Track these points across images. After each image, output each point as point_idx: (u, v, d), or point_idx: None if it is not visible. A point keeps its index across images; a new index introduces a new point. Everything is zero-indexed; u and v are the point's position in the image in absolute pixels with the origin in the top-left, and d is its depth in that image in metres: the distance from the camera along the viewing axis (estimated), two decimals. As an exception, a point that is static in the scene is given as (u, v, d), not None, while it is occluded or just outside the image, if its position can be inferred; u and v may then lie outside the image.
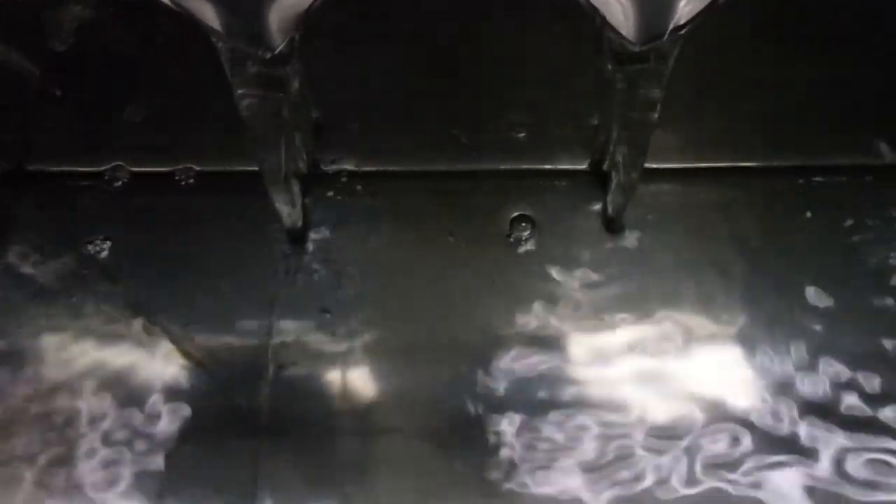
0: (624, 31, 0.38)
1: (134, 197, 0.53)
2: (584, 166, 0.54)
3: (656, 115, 0.43)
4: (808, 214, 0.52)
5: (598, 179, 0.53)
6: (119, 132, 0.54)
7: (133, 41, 0.49)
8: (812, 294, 0.50)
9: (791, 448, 0.47)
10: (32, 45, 0.50)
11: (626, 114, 0.44)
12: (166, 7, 0.38)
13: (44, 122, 0.53)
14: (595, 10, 0.38)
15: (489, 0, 0.50)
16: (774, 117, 0.54)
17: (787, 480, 0.46)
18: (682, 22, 0.37)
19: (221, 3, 0.38)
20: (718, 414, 0.48)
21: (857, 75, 0.53)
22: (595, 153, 0.53)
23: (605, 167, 0.52)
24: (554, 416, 0.48)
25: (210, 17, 0.38)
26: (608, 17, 0.38)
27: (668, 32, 0.37)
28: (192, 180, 0.53)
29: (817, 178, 0.53)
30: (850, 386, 0.48)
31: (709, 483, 0.46)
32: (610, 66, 0.42)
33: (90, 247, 0.52)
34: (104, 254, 0.52)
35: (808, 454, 0.46)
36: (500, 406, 0.48)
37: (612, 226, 0.52)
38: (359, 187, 0.54)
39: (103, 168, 0.54)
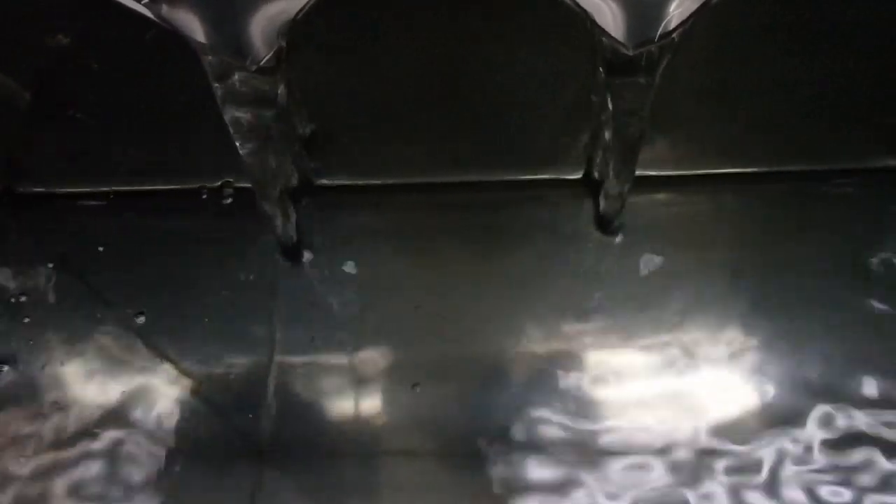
0: (614, 35, 0.37)
1: (126, 217, 0.53)
2: (578, 175, 0.53)
3: (646, 122, 0.43)
4: (811, 221, 0.52)
5: (592, 188, 0.52)
6: (110, 152, 0.54)
7: (122, 61, 0.49)
8: (814, 304, 0.50)
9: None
10: (22, 67, 0.50)
11: (616, 121, 0.44)
12: (155, 26, 0.37)
13: (32, 144, 0.53)
14: (585, 13, 0.38)
15: (483, 9, 0.50)
16: (774, 122, 0.53)
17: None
18: (672, 25, 0.36)
19: (206, 15, 0.37)
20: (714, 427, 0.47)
21: (860, 77, 0.53)
22: (588, 162, 0.52)
23: (597, 175, 0.52)
24: (564, 435, 0.47)
25: (195, 29, 0.38)
26: (598, 21, 0.37)
27: (658, 35, 0.37)
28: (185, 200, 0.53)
29: (820, 184, 0.53)
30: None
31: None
32: (601, 73, 0.41)
33: (83, 269, 0.52)
34: (97, 276, 0.52)
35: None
36: (509, 427, 0.47)
37: (609, 234, 0.51)
38: (354, 201, 0.53)
39: (94, 189, 0.54)
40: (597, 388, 0.48)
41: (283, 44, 0.39)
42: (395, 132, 0.53)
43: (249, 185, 0.48)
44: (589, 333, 0.50)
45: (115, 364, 0.50)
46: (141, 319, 0.50)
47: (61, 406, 0.48)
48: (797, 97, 0.53)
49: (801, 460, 0.46)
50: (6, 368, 0.50)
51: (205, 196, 0.53)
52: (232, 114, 0.42)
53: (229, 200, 0.53)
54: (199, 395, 0.48)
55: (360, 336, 0.50)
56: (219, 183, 0.53)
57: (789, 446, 0.46)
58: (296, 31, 0.39)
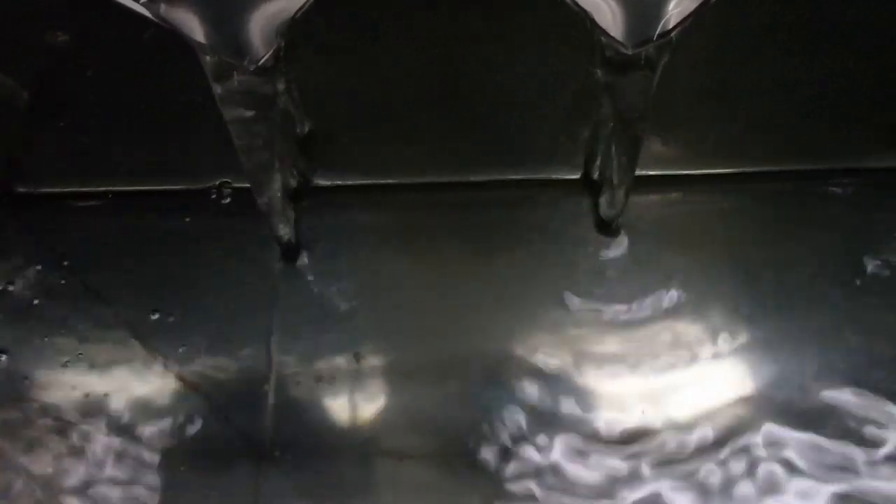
0: (613, 34, 0.37)
1: (125, 218, 0.53)
2: (577, 175, 0.53)
3: (646, 122, 0.43)
4: (810, 221, 0.52)
5: (592, 188, 0.52)
6: (109, 153, 0.54)
7: (120, 62, 0.49)
8: (813, 304, 0.50)
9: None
10: (21, 68, 0.50)
11: (616, 121, 0.44)
12: (154, 26, 0.37)
13: (32, 144, 0.53)
14: (585, 12, 0.38)
15: (483, 9, 0.50)
16: (774, 122, 0.53)
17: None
18: (671, 24, 0.36)
19: (204, 14, 0.37)
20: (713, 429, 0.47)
21: (860, 77, 0.53)
22: (588, 162, 0.52)
23: (596, 176, 0.52)
24: (564, 437, 0.47)
25: (193, 28, 0.38)
26: (597, 20, 0.37)
27: (657, 34, 0.37)
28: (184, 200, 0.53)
29: (820, 184, 0.53)
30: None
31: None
32: (600, 73, 0.41)
33: (81, 269, 0.52)
34: (96, 276, 0.52)
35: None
36: (508, 427, 0.47)
37: (609, 234, 0.51)
38: (353, 201, 0.53)
39: (91, 189, 0.54)
40: (596, 389, 0.48)
41: (282, 43, 0.39)
42: (394, 132, 0.53)
43: (248, 185, 0.47)
44: (588, 334, 0.49)
45: (114, 364, 0.49)
46: (138, 321, 0.50)
47: (60, 406, 0.48)
48: (797, 97, 0.52)
49: (798, 460, 0.46)
50: (4, 357, 0.50)
51: (213, 196, 0.53)
52: (231, 113, 0.42)
53: (228, 200, 0.53)
54: (199, 394, 0.48)
55: (360, 336, 0.49)
56: (217, 183, 0.53)
57: (787, 446, 0.46)
58: (295, 30, 0.39)
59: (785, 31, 0.51)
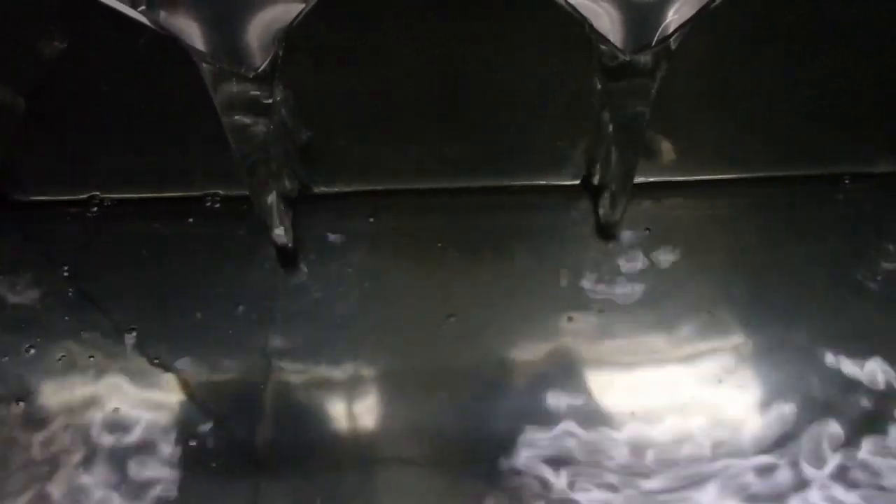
0: (612, 40, 0.37)
1: (120, 225, 0.53)
2: (577, 181, 0.53)
3: (644, 127, 0.43)
4: (811, 225, 0.52)
5: (590, 194, 0.52)
6: (105, 160, 0.54)
7: (116, 69, 0.49)
8: (816, 309, 0.50)
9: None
10: (16, 73, 0.50)
11: (615, 125, 0.44)
12: (152, 33, 0.37)
13: (27, 151, 0.53)
14: (584, 18, 0.38)
15: (481, 16, 0.50)
16: (774, 126, 0.53)
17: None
18: (669, 30, 0.36)
19: (202, 22, 0.37)
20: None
21: (860, 76, 0.52)
22: (588, 167, 0.52)
23: (596, 181, 0.52)
24: (563, 443, 0.47)
25: (192, 36, 0.37)
26: (596, 25, 0.37)
27: (655, 40, 0.36)
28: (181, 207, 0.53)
29: (821, 188, 0.53)
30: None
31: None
32: (599, 79, 0.41)
33: (77, 276, 0.52)
34: (92, 283, 0.52)
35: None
36: (507, 434, 0.47)
37: (608, 240, 0.51)
38: (352, 207, 0.53)
39: (87, 196, 0.54)
40: (597, 395, 0.48)
41: (280, 51, 0.39)
42: (393, 137, 0.53)
43: (246, 192, 0.47)
44: (588, 339, 0.49)
45: (110, 372, 0.49)
46: (135, 328, 0.50)
47: (57, 414, 0.48)
48: (797, 98, 0.52)
49: (807, 468, 0.46)
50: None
51: (210, 202, 0.53)
52: (229, 120, 0.42)
53: (225, 207, 0.53)
54: (196, 402, 0.48)
55: (358, 343, 0.49)
56: (215, 190, 0.53)
57: (788, 449, 0.46)
58: (294, 35, 0.39)
59: (785, 32, 0.51)
